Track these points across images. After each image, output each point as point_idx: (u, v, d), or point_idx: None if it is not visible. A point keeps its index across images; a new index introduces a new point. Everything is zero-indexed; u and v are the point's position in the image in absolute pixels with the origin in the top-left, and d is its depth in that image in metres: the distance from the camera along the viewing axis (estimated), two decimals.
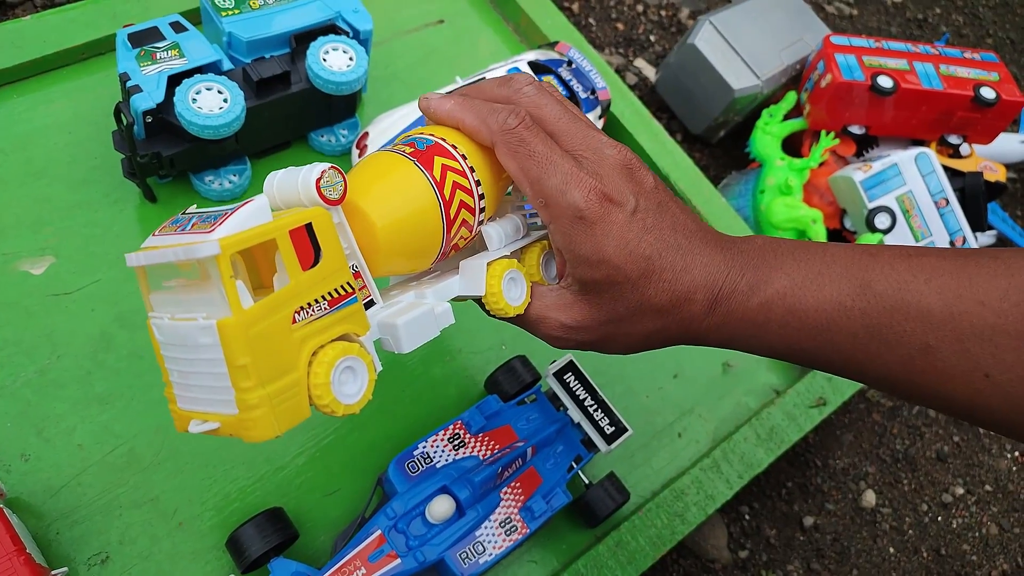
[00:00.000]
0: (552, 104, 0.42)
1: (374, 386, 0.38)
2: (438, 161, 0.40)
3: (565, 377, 0.64)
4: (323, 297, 0.34)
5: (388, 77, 0.83)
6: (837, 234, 0.90)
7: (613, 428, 0.63)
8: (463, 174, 0.40)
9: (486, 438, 0.61)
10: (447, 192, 0.40)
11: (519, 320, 0.44)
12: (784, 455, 0.72)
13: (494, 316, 0.44)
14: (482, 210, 0.42)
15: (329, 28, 0.71)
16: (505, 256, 0.43)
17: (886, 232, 0.83)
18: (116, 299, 0.65)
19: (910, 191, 0.83)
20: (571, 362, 0.65)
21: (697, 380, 0.75)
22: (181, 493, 0.59)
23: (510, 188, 0.47)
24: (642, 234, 0.39)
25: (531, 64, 0.80)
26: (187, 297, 0.34)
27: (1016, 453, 0.87)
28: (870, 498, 0.79)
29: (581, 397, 0.63)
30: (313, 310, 0.34)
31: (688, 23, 1.09)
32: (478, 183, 0.41)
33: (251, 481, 0.60)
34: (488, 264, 0.42)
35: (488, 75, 0.77)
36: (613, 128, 0.85)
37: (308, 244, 0.34)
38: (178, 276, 0.36)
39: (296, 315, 0.33)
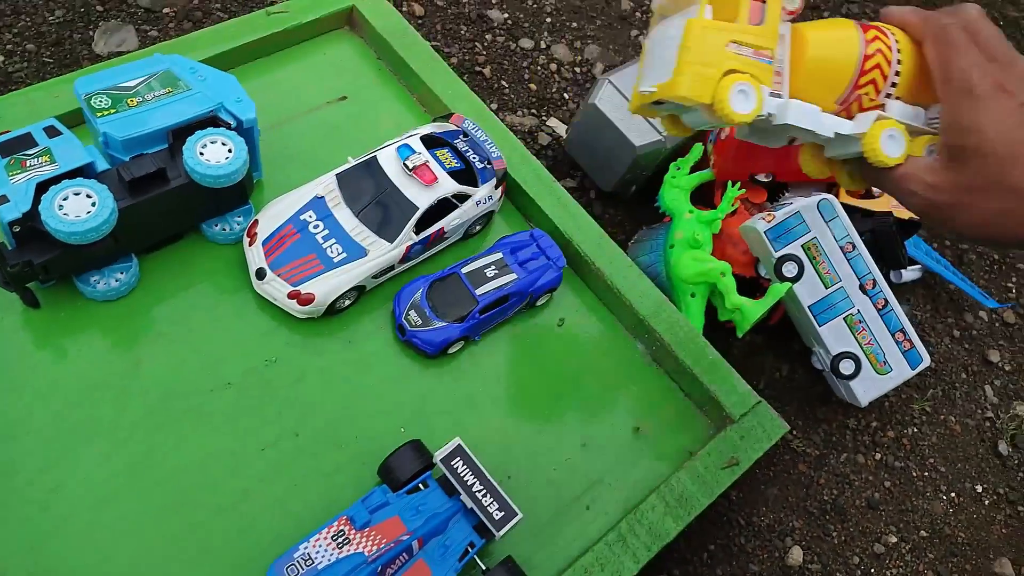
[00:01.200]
0: (988, 27, 0.49)
1: None
2: (872, 33, 0.51)
3: (453, 463, 0.63)
4: (752, 45, 0.49)
5: (285, 159, 0.83)
6: (754, 282, 0.89)
7: (502, 513, 0.61)
8: (889, 48, 0.50)
9: (372, 532, 0.60)
10: (870, 51, 0.50)
11: (886, 178, 0.51)
12: (706, 514, 0.71)
13: (867, 169, 0.52)
14: (893, 84, 0.51)
15: (210, 120, 0.71)
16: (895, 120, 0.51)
17: (794, 280, 0.82)
18: None
19: (815, 238, 0.82)
20: (459, 446, 0.63)
21: (606, 448, 0.74)
22: None
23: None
24: (1019, 122, 0.45)
25: (425, 138, 0.80)
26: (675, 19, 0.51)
27: (952, 494, 0.85)
28: (797, 555, 0.77)
29: (470, 483, 0.62)
30: (742, 49, 0.49)
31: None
32: (899, 62, 0.50)
33: None
34: (878, 118, 0.50)
35: (378, 154, 0.77)
36: (517, 194, 0.85)
37: (759, 11, 0.49)
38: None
39: (730, 44, 0.48)
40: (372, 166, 0.77)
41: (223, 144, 0.69)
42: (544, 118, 1.03)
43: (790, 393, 0.88)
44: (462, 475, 0.62)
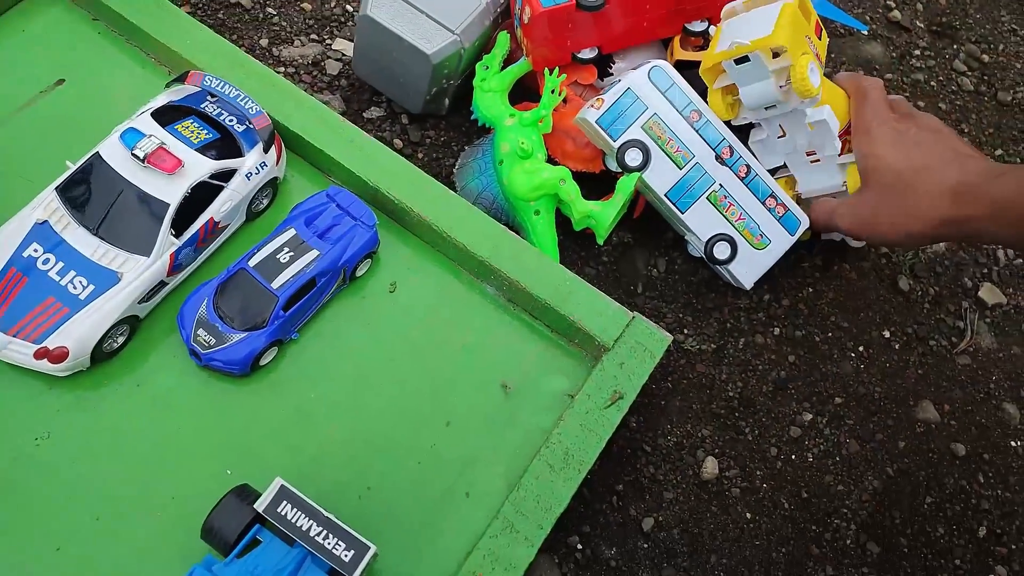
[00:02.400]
0: (894, 95, 0.73)
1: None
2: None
3: (279, 509, 0.52)
4: (814, 46, 0.69)
5: (3, 175, 0.66)
6: (607, 176, 0.77)
7: (351, 552, 0.51)
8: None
9: None
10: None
11: (818, 214, 0.74)
12: (608, 453, 0.62)
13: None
14: None
15: None
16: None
17: (642, 169, 0.71)
18: None
19: (655, 114, 0.71)
20: (282, 487, 0.52)
21: (473, 419, 0.64)
22: None
23: None
24: (911, 146, 0.65)
25: (160, 111, 0.64)
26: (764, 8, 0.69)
27: (860, 348, 0.79)
28: (711, 466, 0.70)
29: (304, 528, 0.51)
30: (810, 44, 0.68)
31: None
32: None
33: None
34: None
35: (101, 148, 0.61)
36: (301, 148, 0.71)
37: (819, 28, 0.71)
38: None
39: (807, 38, 0.68)
40: (97, 166, 0.61)
41: None
42: (329, 41, 0.86)
43: (673, 288, 0.79)
44: (293, 521, 0.51)
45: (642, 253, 0.81)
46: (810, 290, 0.82)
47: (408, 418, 0.63)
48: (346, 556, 0.51)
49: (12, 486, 0.56)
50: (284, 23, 0.87)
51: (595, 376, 0.64)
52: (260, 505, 0.51)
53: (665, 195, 0.72)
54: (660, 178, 0.72)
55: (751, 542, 0.69)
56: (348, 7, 0.90)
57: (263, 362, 0.62)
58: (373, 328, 0.66)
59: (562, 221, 0.75)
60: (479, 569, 0.56)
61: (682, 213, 0.73)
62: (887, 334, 0.81)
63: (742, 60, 0.67)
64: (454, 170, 0.79)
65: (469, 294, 0.69)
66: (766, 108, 0.70)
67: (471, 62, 0.78)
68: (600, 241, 0.74)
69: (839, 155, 0.72)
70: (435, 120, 0.83)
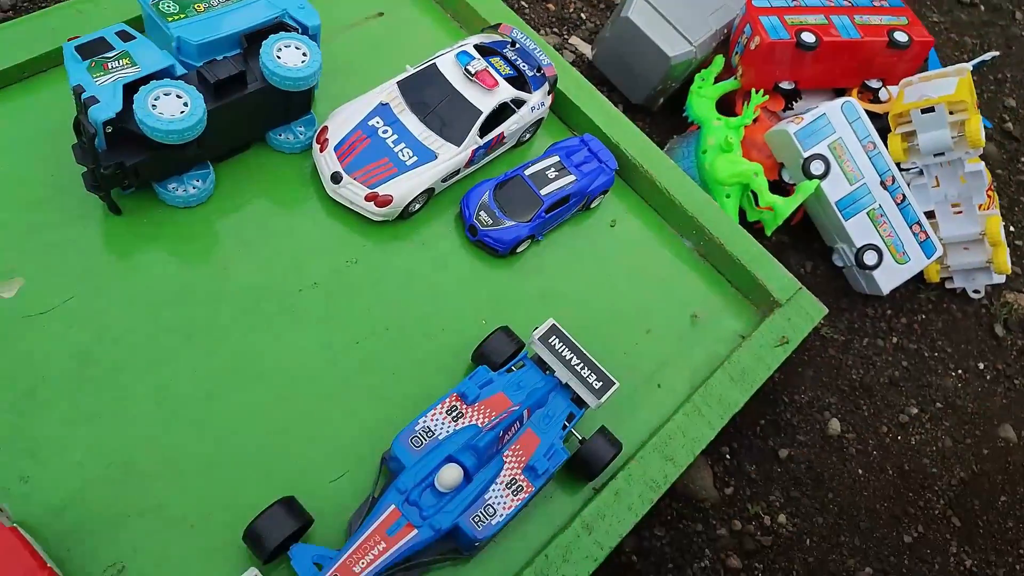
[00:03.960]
0: None
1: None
2: None
3: (550, 340, 0.67)
4: None
5: (335, 71, 0.84)
6: (776, 185, 0.95)
7: (600, 383, 0.66)
8: None
9: (482, 407, 0.63)
10: None
11: None
12: (755, 395, 0.77)
13: None
14: None
15: (278, 26, 0.71)
16: None
17: (822, 177, 0.88)
18: (92, 315, 0.64)
19: (840, 138, 0.89)
20: (554, 326, 0.67)
21: (668, 334, 0.79)
22: (186, 497, 0.59)
23: None
24: None
25: (477, 47, 0.82)
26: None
27: (960, 371, 0.94)
28: (835, 426, 0.85)
29: (567, 357, 0.66)
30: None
31: None
32: None
33: (256, 476, 0.61)
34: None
35: (437, 61, 0.79)
36: (561, 103, 0.88)
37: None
38: None
39: None
40: (432, 73, 0.79)
41: (297, 48, 0.70)
42: (566, 36, 1.06)
43: (815, 287, 0.95)
44: (560, 351, 0.66)
45: (795, 254, 0.97)
46: (923, 316, 0.98)
47: (618, 320, 0.78)
48: (596, 384, 0.66)
49: (327, 290, 0.71)
50: (532, 16, 1.07)
51: (768, 323, 0.80)
52: (536, 334, 0.66)
53: (835, 203, 0.89)
54: (834, 188, 0.89)
55: (860, 492, 0.83)
56: (582, 15, 1.09)
57: (519, 250, 0.79)
58: (597, 249, 0.82)
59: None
60: (673, 435, 0.71)
61: (845, 221, 0.89)
62: (981, 366, 0.96)
63: (928, 110, 0.84)
64: (663, 151, 0.96)
65: (672, 242, 0.85)
66: (935, 155, 0.88)
67: (692, 72, 0.96)
68: (768, 232, 0.91)
69: (979, 208, 0.89)
70: (644, 113, 1.01)
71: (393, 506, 0.56)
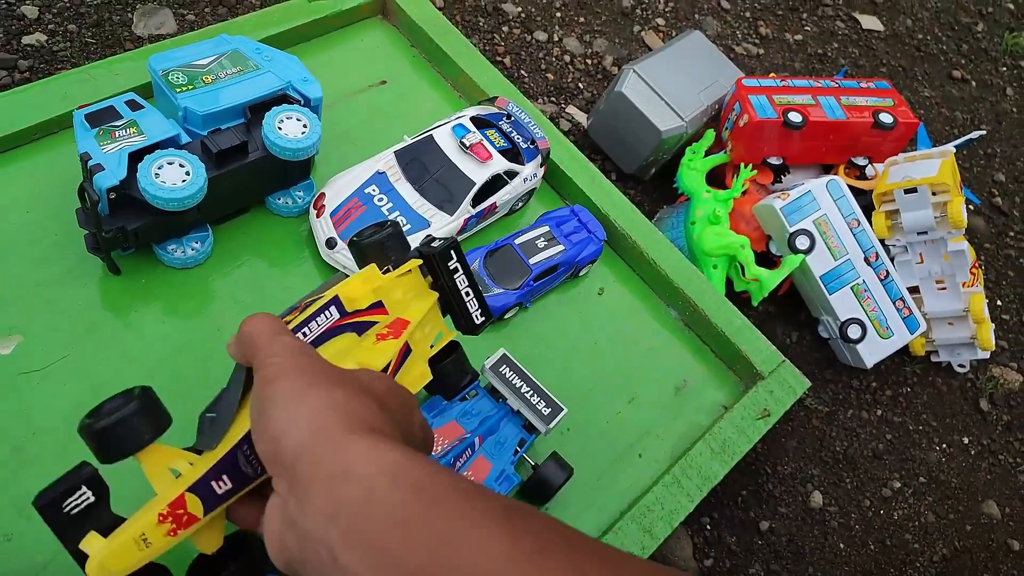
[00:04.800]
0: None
1: None
2: None
3: (501, 369, 0.68)
4: None
5: (337, 138, 0.87)
6: (764, 256, 0.97)
7: (550, 409, 0.68)
8: None
9: (435, 434, 0.64)
10: None
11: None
12: (737, 465, 0.78)
13: None
14: None
15: (281, 98, 0.75)
16: None
17: (807, 252, 0.90)
18: (87, 372, 0.66)
19: (825, 215, 0.91)
20: (505, 355, 0.69)
21: (652, 403, 0.80)
22: (172, 552, 0.60)
23: None
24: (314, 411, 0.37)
25: (473, 119, 0.85)
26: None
27: (944, 445, 0.95)
28: (817, 498, 0.85)
29: (517, 385, 0.68)
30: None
31: (612, 70, 1.16)
32: None
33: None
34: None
35: (434, 132, 0.82)
36: (554, 173, 0.91)
37: None
38: None
39: None
40: (429, 144, 0.82)
41: (298, 120, 0.73)
42: (563, 106, 1.09)
43: (799, 358, 0.96)
44: (510, 379, 0.68)
45: (781, 324, 0.99)
46: (908, 389, 0.99)
47: (603, 387, 0.80)
48: (545, 411, 0.67)
49: None
50: (532, 84, 1.10)
51: (750, 395, 0.81)
52: (488, 363, 0.68)
53: (820, 277, 0.91)
54: (819, 263, 0.91)
55: (841, 566, 0.83)
56: (580, 84, 1.13)
57: (507, 316, 0.80)
58: (583, 316, 0.84)
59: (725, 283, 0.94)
60: (652, 507, 0.71)
61: (830, 295, 0.91)
62: (966, 440, 0.97)
63: (911, 191, 0.87)
64: (652, 221, 0.99)
65: (657, 311, 0.87)
66: (918, 233, 0.90)
67: (683, 145, 0.99)
68: (755, 303, 0.93)
69: (963, 286, 0.91)
70: (635, 182, 1.04)
71: None
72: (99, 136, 0.67)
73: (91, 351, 0.67)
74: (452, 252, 0.57)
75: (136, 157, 0.66)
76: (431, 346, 0.57)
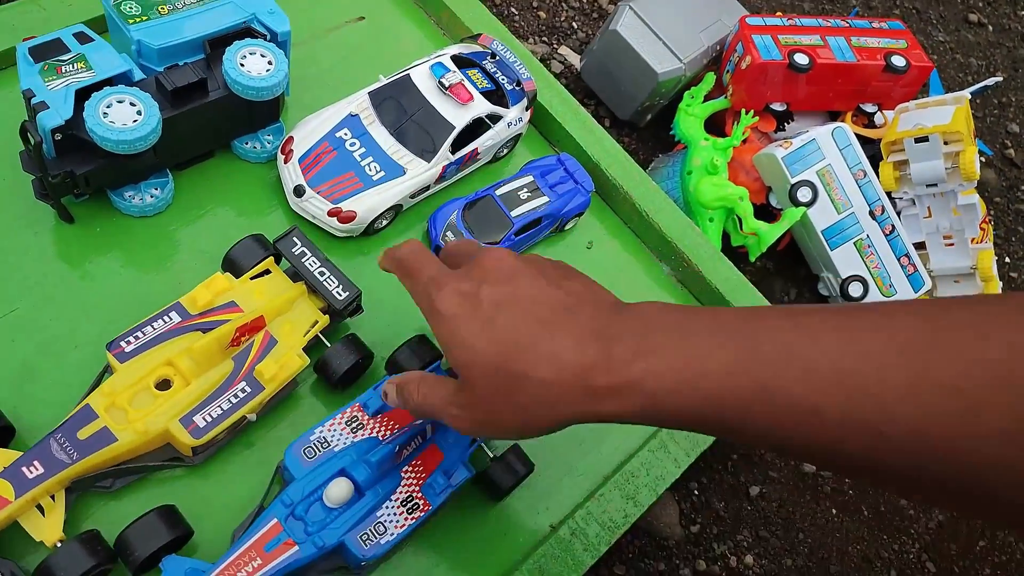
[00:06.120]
0: (451, 244, 0.57)
1: None
2: None
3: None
4: None
5: (309, 78, 0.81)
6: (763, 209, 0.92)
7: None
8: None
9: (385, 419, 0.60)
10: None
11: (429, 410, 0.50)
12: None
13: None
14: None
15: (244, 31, 0.69)
16: None
17: (808, 205, 0.86)
18: (37, 327, 0.62)
19: (829, 164, 0.86)
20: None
21: None
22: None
23: None
24: (491, 316, 0.42)
25: (454, 58, 0.79)
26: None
27: None
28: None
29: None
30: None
31: (609, 9, 1.10)
32: None
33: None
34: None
35: (411, 72, 0.77)
36: (542, 117, 0.86)
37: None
38: None
39: None
40: (405, 84, 0.76)
41: (262, 56, 0.67)
42: (555, 46, 1.03)
43: None
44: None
45: (779, 281, 0.94)
46: None
47: None
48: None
49: None
50: (522, 23, 1.04)
51: None
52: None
53: (821, 232, 0.86)
54: (821, 216, 0.86)
55: (833, 533, 0.80)
56: (574, 24, 1.07)
57: None
58: None
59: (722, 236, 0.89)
60: (636, 472, 0.68)
61: (831, 250, 0.87)
62: None
63: (921, 140, 0.82)
64: (647, 171, 0.93)
65: (649, 267, 0.83)
66: (927, 186, 0.85)
67: (681, 89, 0.93)
68: (752, 258, 0.88)
69: (971, 242, 0.86)
70: (630, 130, 0.98)
71: (275, 520, 0.53)
72: (44, 71, 0.61)
73: (42, 304, 0.63)
74: (294, 238, 0.63)
75: (84, 95, 0.61)
76: (304, 334, 0.62)
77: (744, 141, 0.93)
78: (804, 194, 0.86)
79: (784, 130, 0.96)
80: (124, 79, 0.63)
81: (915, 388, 0.33)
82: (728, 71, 0.92)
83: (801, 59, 0.87)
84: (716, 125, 0.96)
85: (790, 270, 0.95)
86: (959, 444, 0.32)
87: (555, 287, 0.44)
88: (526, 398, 0.41)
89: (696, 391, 0.38)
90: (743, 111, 0.90)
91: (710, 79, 0.93)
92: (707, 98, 0.94)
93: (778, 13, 1.08)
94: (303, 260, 0.63)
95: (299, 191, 0.71)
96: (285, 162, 0.72)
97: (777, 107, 0.92)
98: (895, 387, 0.33)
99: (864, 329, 0.35)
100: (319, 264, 0.63)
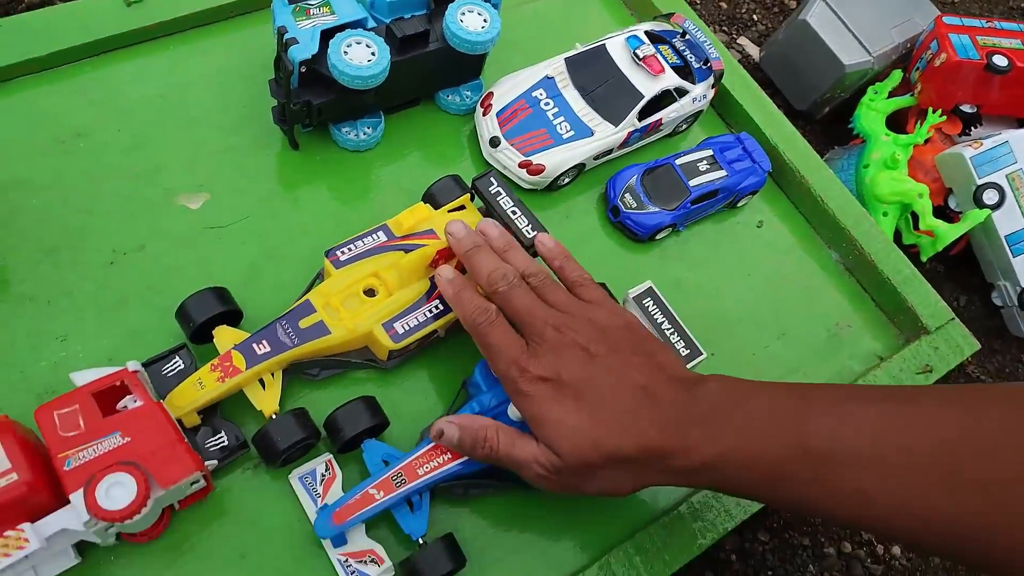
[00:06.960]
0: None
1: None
2: None
3: (644, 302, 0.67)
4: None
5: (505, 44, 0.87)
6: (941, 211, 0.90)
7: (688, 351, 0.65)
8: None
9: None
10: None
11: (510, 462, 0.53)
12: None
13: None
14: None
15: None
16: None
17: (994, 208, 0.83)
18: (263, 235, 0.70)
19: (1021, 169, 0.83)
20: (651, 288, 0.67)
21: (802, 342, 0.77)
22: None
23: None
24: (578, 399, 0.49)
25: (647, 33, 0.82)
26: None
27: None
28: None
29: (659, 320, 0.66)
30: None
31: (790, 3, 1.10)
32: None
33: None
34: None
35: (607, 42, 0.81)
36: (725, 100, 0.88)
37: None
38: None
39: None
40: (600, 53, 0.80)
41: (479, 14, 0.73)
42: (735, 36, 1.04)
43: (966, 323, 0.89)
44: (652, 313, 0.66)
45: (948, 285, 0.92)
46: None
47: (752, 320, 0.77)
48: (684, 352, 0.65)
49: None
50: (704, 12, 1.06)
51: (912, 348, 0.76)
52: (632, 293, 0.67)
53: (1005, 237, 0.84)
54: (1007, 221, 0.84)
55: None
56: (754, 16, 1.08)
57: (659, 236, 0.79)
58: (739, 247, 0.81)
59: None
60: None
61: (1014, 257, 0.84)
62: None
63: None
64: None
65: (817, 251, 0.83)
66: None
67: (867, 83, 0.93)
68: (924, 258, 0.86)
69: None
70: (804, 121, 0.99)
71: None
72: (295, 12, 0.69)
73: (267, 217, 0.71)
74: (491, 178, 0.68)
75: (327, 35, 0.68)
76: None
77: (926, 141, 0.91)
78: (990, 196, 0.83)
79: (969, 135, 0.93)
80: (361, 25, 0.71)
81: (950, 484, 0.39)
82: (918, 68, 0.91)
83: (1000, 61, 0.85)
84: (895, 124, 0.95)
85: (962, 276, 0.92)
86: (988, 536, 0.38)
87: (628, 367, 0.50)
88: (614, 472, 0.49)
89: (753, 472, 0.46)
90: (929, 109, 0.89)
91: (896, 76, 0.92)
92: (891, 95, 0.93)
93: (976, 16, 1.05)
94: (498, 199, 0.68)
95: (495, 142, 0.76)
96: (484, 115, 0.78)
97: (967, 108, 0.90)
98: (934, 483, 0.40)
99: (904, 425, 0.42)
100: (512, 204, 0.68)
